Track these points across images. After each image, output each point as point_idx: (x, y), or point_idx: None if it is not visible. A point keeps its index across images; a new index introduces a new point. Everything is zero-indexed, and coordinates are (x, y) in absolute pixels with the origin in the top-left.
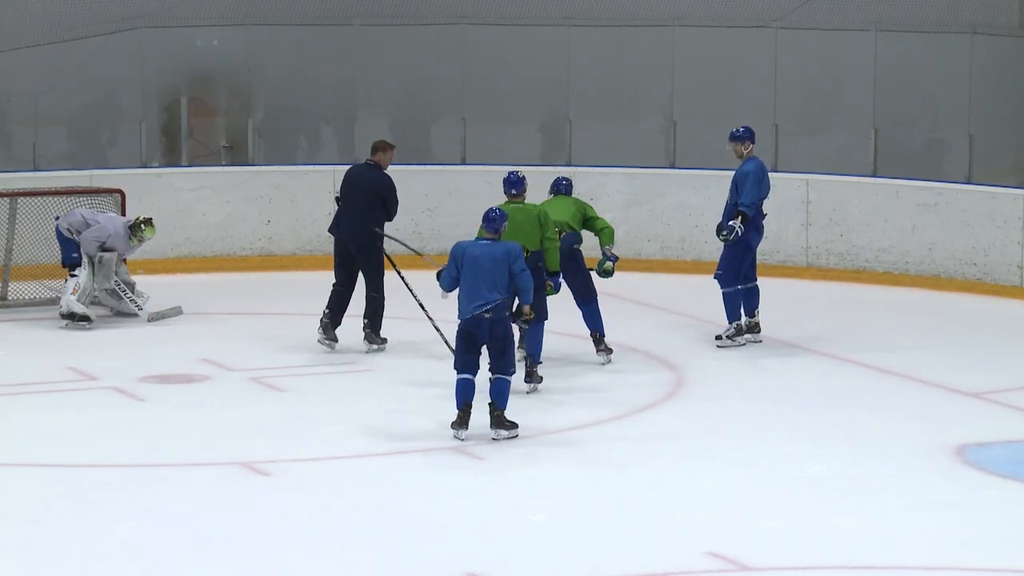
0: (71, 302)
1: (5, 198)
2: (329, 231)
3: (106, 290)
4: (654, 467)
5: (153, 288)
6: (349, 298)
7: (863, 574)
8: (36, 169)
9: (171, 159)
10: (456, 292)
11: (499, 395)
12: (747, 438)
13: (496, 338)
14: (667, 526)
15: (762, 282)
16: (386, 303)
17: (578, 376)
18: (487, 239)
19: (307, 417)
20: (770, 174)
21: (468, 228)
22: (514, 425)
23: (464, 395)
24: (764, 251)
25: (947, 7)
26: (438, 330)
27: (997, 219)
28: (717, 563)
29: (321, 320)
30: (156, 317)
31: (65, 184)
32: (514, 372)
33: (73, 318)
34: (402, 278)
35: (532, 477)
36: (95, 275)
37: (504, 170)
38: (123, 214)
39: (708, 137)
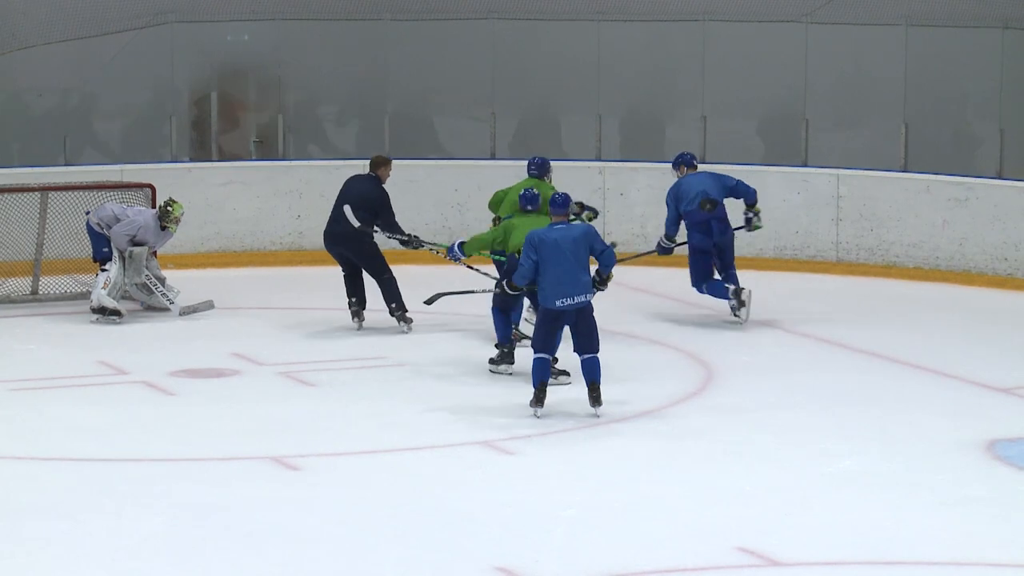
0: (102, 296)
1: (36, 192)
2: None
3: (137, 284)
4: (683, 463)
5: (183, 283)
6: (361, 277)
7: (893, 569)
8: (67, 164)
9: (202, 153)
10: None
11: (596, 373)
12: (777, 434)
13: (584, 320)
14: (697, 522)
15: (792, 277)
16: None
17: (608, 372)
18: (560, 222)
19: (337, 412)
20: (801, 169)
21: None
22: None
23: (542, 374)
24: (795, 246)
25: (978, 1)
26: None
27: None
28: (747, 558)
29: (350, 308)
30: (187, 311)
31: (95, 179)
32: (599, 349)
33: (104, 312)
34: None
35: (561, 472)
36: (126, 269)
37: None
38: (153, 208)
39: (738, 132)
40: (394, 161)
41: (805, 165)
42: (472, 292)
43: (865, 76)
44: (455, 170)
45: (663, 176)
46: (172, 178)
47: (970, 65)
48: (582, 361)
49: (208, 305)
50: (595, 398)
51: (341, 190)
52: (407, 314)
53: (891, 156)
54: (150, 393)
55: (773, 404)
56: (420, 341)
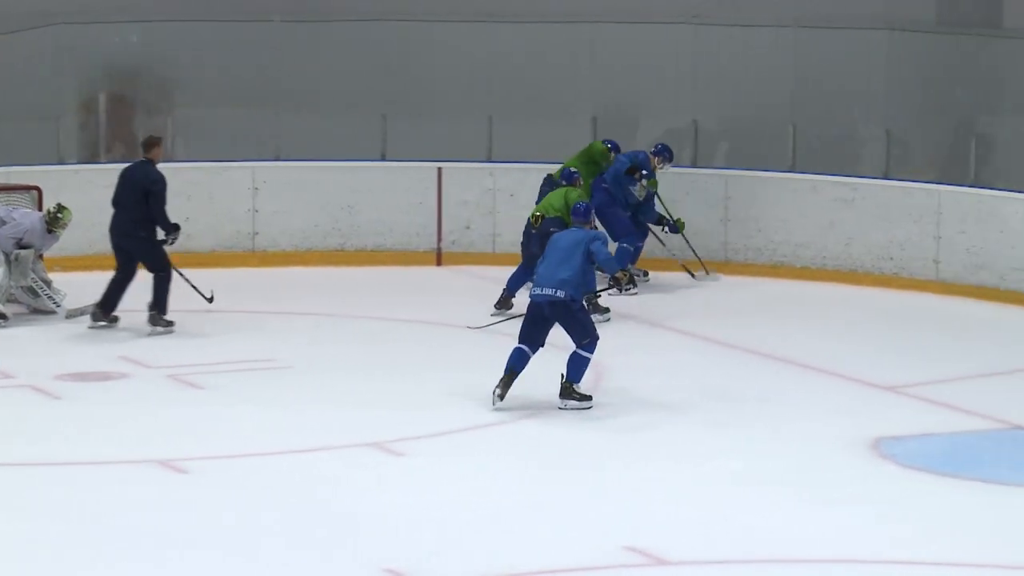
0: None
1: None
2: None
3: (22, 287)
4: (572, 463)
5: (70, 285)
6: (127, 286)
7: (779, 567)
8: None
9: (90, 155)
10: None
11: (570, 368)
12: (664, 433)
13: (563, 317)
14: (585, 521)
15: (681, 277)
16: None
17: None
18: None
19: (225, 414)
20: (690, 169)
21: (388, 224)
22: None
23: (512, 362)
24: (682, 247)
25: (864, 3)
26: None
27: (913, 214)
28: (635, 557)
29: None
30: (74, 314)
31: None
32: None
33: None
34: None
35: (451, 473)
36: (11, 272)
37: (425, 166)
38: (40, 210)
39: (627, 133)
40: (285, 163)
41: (694, 166)
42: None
43: (753, 77)
44: (345, 172)
45: None
46: (59, 180)
47: (856, 66)
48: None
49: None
50: (564, 392)
51: (119, 180)
52: (166, 318)
53: (779, 157)
54: (36, 397)
55: (661, 404)
56: (309, 343)
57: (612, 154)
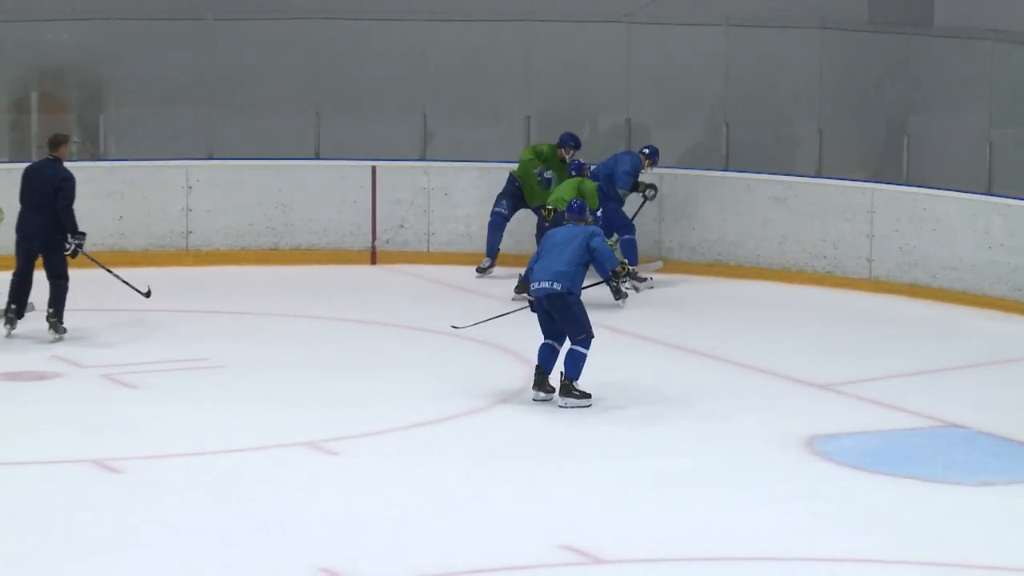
0: None
1: None
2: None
3: None
4: (506, 462)
5: (1, 285)
6: (31, 281)
7: (715, 565)
8: None
9: (21, 154)
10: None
11: (566, 364)
12: (599, 431)
13: (558, 310)
14: (520, 520)
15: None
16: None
17: (433, 372)
18: (572, 223)
19: (159, 414)
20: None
21: (322, 223)
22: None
23: (539, 358)
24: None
25: (797, 2)
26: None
27: (846, 212)
28: (570, 556)
29: (7, 315)
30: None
31: None
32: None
33: None
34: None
35: (384, 472)
36: None
37: (360, 165)
38: None
39: (563, 131)
40: (219, 162)
41: None
42: (504, 314)
43: (687, 76)
44: (279, 170)
45: (488, 176)
46: None
47: (789, 65)
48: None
49: (30, 308)
50: (552, 388)
51: (23, 178)
52: (62, 325)
53: (713, 156)
54: None
55: (596, 402)
56: (243, 343)
57: (571, 151)
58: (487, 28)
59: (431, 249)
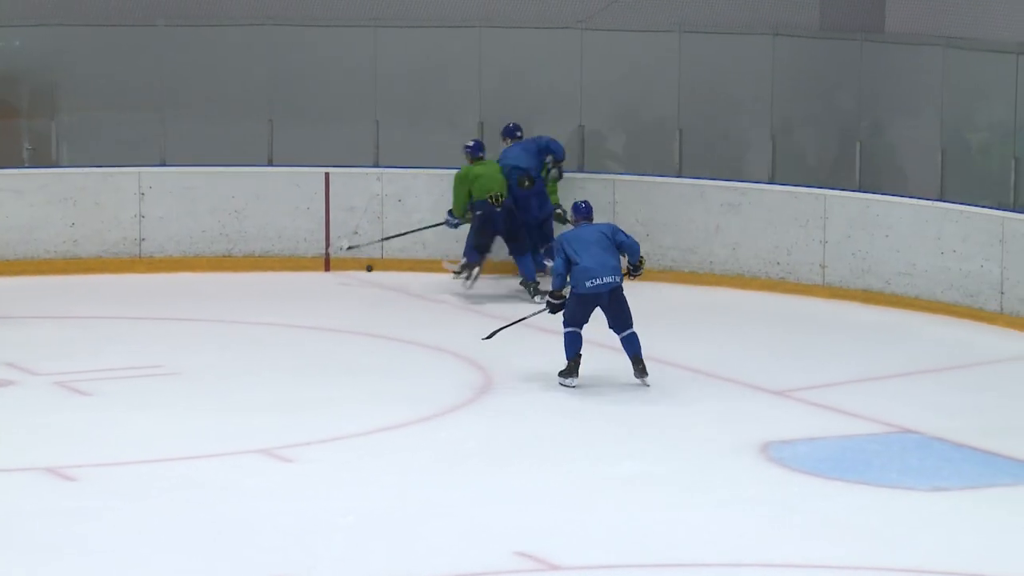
0: None
1: None
2: None
3: None
4: (462, 468)
5: None
6: None
7: (670, 572)
8: None
9: None
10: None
11: (637, 346)
12: (555, 437)
13: (616, 301)
14: (476, 527)
15: None
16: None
17: (388, 378)
18: (584, 223)
19: (113, 421)
20: (577, 175)
21: (276, 230)
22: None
23: (574, 347)
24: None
25: (749, 8)
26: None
27: (800, 219)
28: (526, 563)
29: None
30: None
31: None
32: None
33: None
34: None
35: (340, 479)
36: None
37: (313, 171)
38: None
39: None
40: (171, 168)
41: (581, 171)
42: (525, 319)
43: (640, 83)
44: (232, 177)
45: (441, 182)
46: None
47: (742, 71)
48: (622, 338)
49: None
50: (640, 369)
51: None
52: None
53: (666, 162)
54: None
55: (551, 408)
56: (197, 349)
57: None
58: (439, 34)
59: (385, 255)
